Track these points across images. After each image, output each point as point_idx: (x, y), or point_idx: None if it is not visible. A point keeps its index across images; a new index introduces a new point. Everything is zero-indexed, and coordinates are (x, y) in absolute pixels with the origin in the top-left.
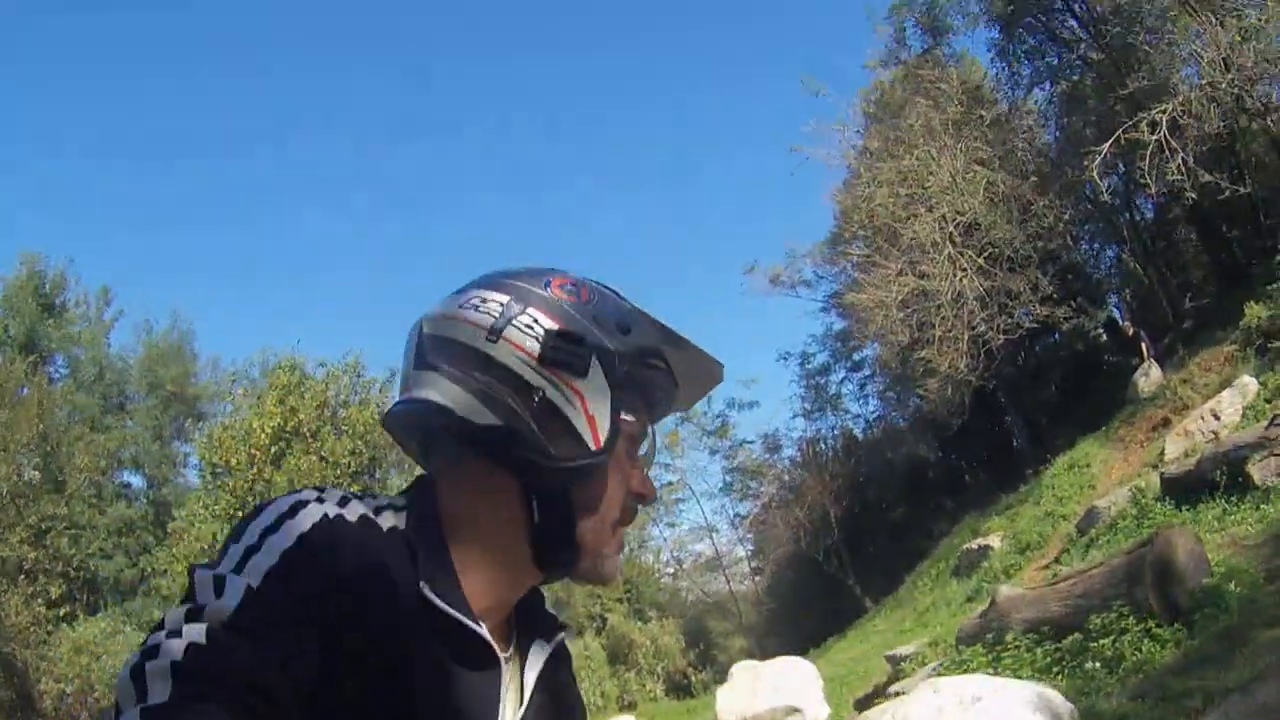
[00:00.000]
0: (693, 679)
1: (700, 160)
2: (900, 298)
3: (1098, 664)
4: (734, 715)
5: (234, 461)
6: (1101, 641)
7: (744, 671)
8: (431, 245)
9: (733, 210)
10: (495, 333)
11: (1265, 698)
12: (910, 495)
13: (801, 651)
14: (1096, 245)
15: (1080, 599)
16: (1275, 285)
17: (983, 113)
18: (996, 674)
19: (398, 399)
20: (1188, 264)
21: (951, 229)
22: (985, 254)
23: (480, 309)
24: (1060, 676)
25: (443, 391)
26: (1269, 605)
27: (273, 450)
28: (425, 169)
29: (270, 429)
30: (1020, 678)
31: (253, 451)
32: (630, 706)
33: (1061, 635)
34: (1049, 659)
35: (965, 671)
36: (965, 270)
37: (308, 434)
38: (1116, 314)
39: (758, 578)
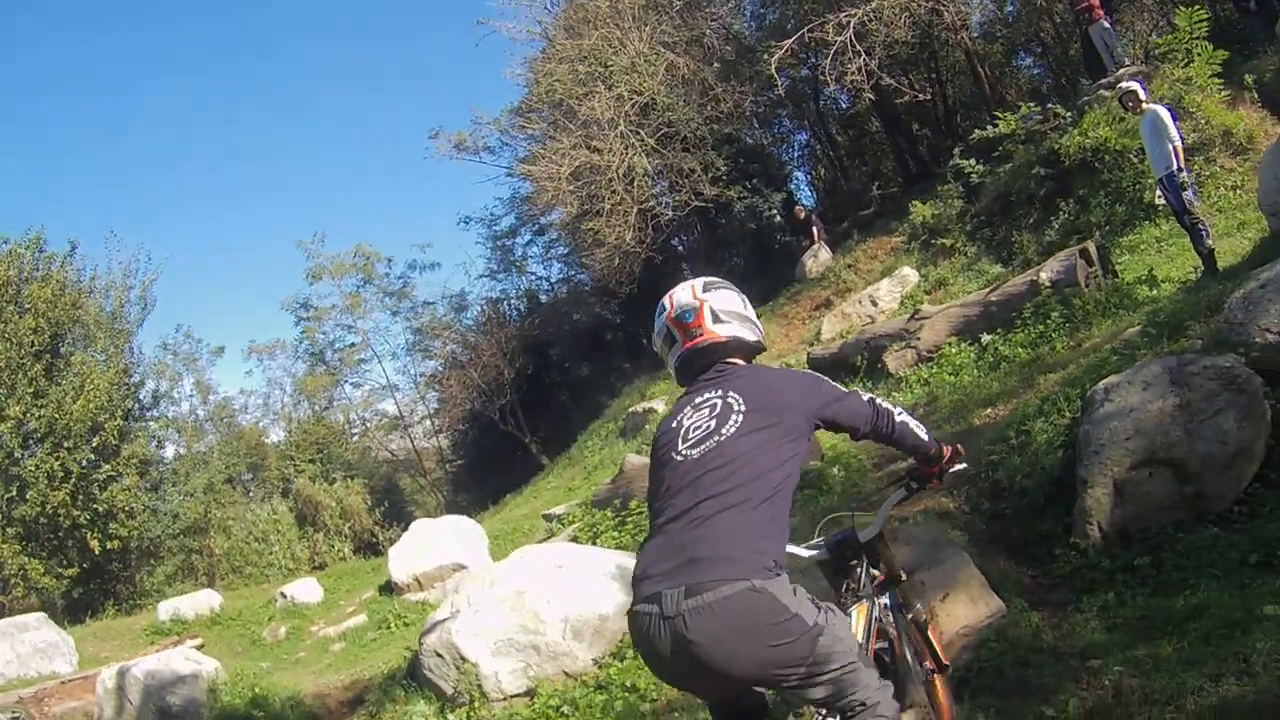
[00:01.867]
0: (380, 537)
1: (391, 23)
2: (570, 170)
3: None
4: (405, 572)
5: None
6: None
7: (416, 531)
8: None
9: (419, 76)
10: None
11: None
12: (594, 355)
13: (488, 507)
14: (783, 130)
15: None
16: (946, 186)
17: None
18: (621, 535)
19: (699, 341)
20: (881, 156)
21: (628, 108)
22: (660, 134)
23: (735, 292)
24: None
25: (741, 331)
26: (869, 491)
27: None
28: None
29: None
30: (637, 542)
31: None
32: (321, 567)
33: None
34: None
35: (598, 532)
36: (636, 148)
37: None
38: (807, 198)
39: (440, 435)
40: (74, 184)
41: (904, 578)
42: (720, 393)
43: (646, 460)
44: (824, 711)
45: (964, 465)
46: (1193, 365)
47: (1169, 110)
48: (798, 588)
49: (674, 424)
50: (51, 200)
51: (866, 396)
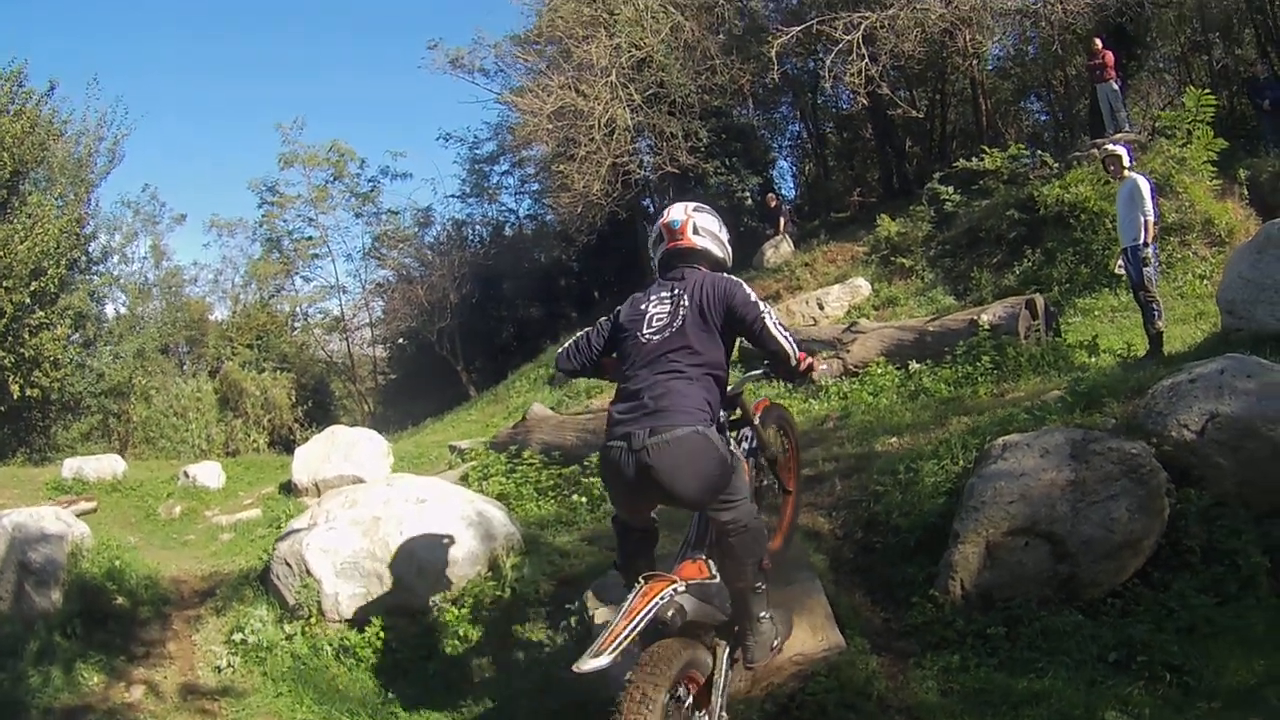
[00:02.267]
0: (298, 435)
1: None
2: (554, 109)
3: (584, 499)
4: (307, 475)
5: None
6: (592, 479)
7: (326, 436)
8: None
9: None
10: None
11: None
12: (545, 298)
13: (412, 425)
14: (778, 116)
15: (590, 434)
16: (920, 208)
17: None
18: (509, 482)
19: (678, 244)
20: (868, 164)
21: (623, 59)
22: (649, 92)
23: (715, 217)
24: (553, 500)
25: (710, 245)
26: None
27: None
28: None
29: None
30: (523, 493)
31: None
32: (233, 454)
33: (569, 463)
34: (551, 481)
35: (489, 474)
36: (622, 100)
37: None
38: (788, 188)
39: (379, 345)
40: (61, 28)
41: (755, 421)
42: (677, 293)
43: (549, 413)
44: (718, 527)
45: (823, 372)
46: (1097, 444)
47: (1150, 183)
48: (721, 436)
49: (642, 308)
50: (35, 38)
51: (767, 310)
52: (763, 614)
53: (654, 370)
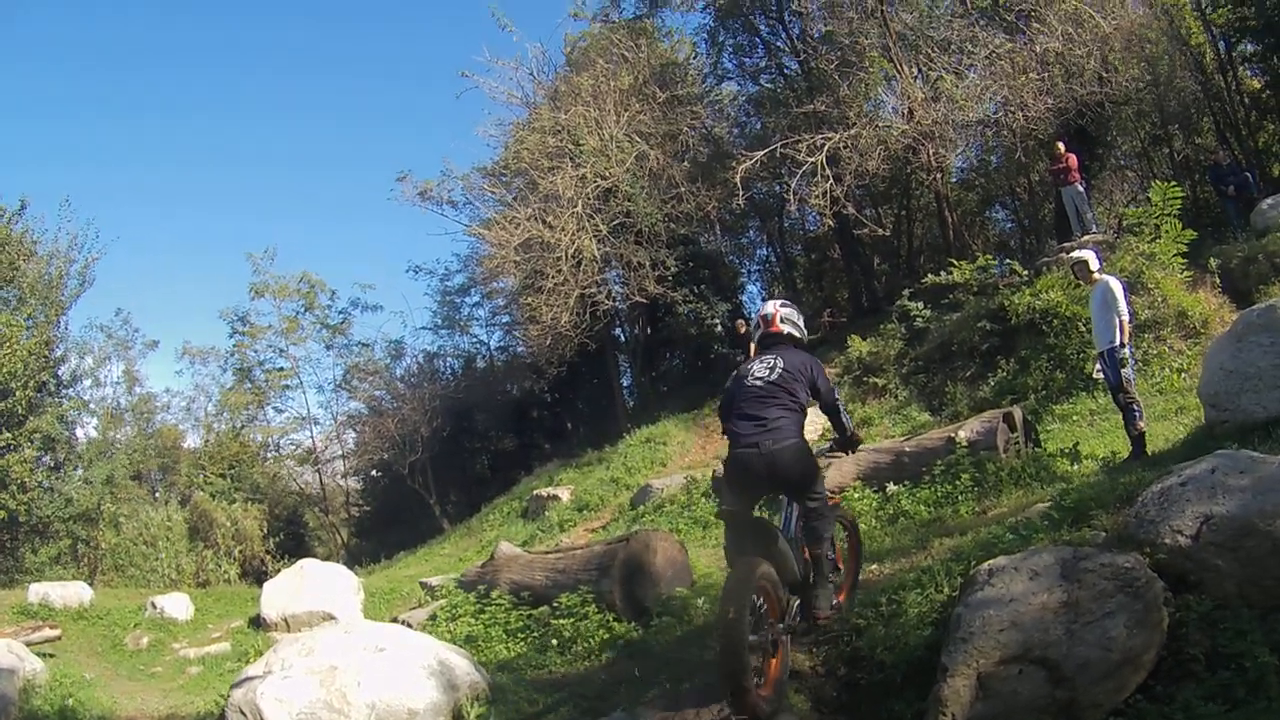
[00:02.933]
0: (270, 567)
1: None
2: (520, 241)
3: (554, 642)
4: (276, 611)
5: None
6: (563, 621)
7: (294, 572)
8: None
9: (396, 113)
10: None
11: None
12: (519, 429)
13: (385, 558)
14: (746, 241)
15: (560, 574)
16: (890, 325)
17: (657, 90)
18: (478, 623)
19: (771, 329)
20: (837, 284)
21: (589, 190)
22: (616, 222)
23: (795, 309)
24: (523, 642)
25: (792, 330)
26: None
27: None
28: None
29: None
30: (491, 635)
31: None
32: (204, 585)
33: (539, 603)
34: (521, 623)
35: (457, 614)
36: (588, 231)
37: None
38: (757, 310)
39: (351, 477)
40: (36, 150)
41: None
42: (774, 358)
43: (518, 552)
44: (804, 510)
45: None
46: (1088, 560)
47: (1122, 284)
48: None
49: (750, 367)
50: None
51: (835, 391)
52: (830, 576)
53: (765, 406)
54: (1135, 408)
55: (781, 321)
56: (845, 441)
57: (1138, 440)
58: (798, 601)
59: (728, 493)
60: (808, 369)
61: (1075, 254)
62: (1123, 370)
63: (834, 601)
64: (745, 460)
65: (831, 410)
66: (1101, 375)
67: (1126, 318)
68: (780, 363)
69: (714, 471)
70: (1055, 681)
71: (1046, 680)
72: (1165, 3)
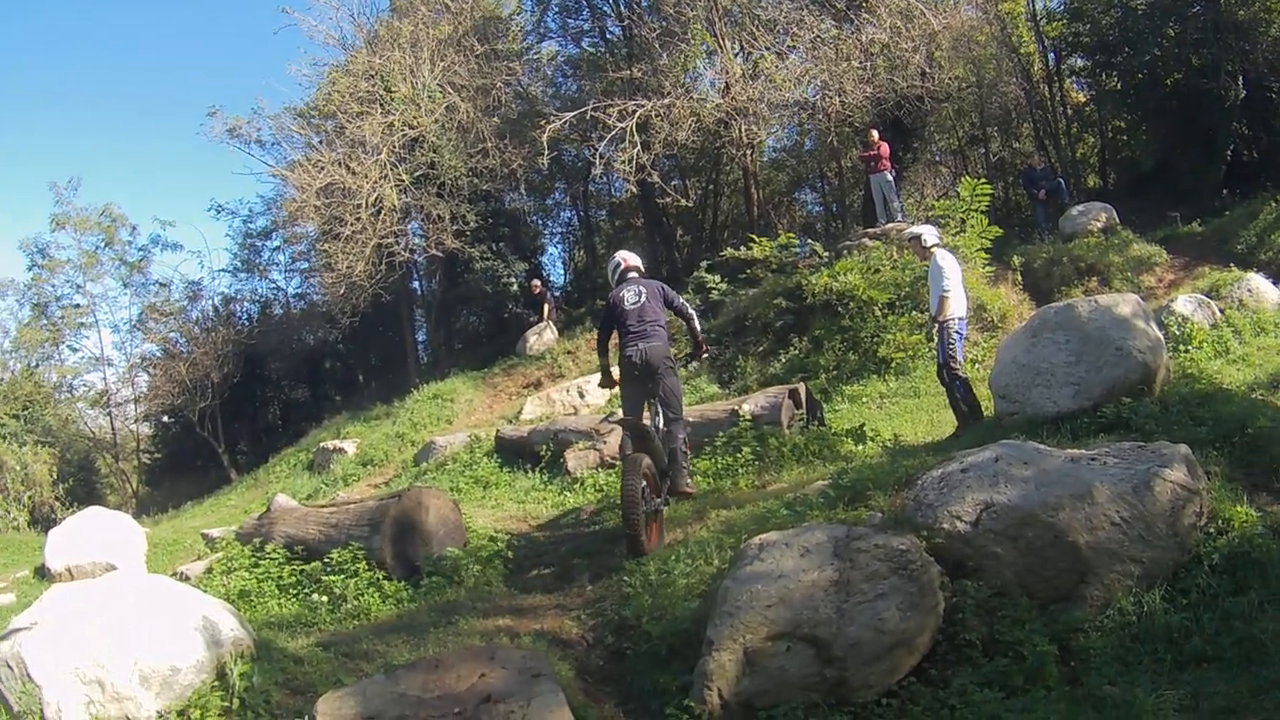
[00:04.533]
0: (59, 514)
1: None
2: (322, 185)
3: (324, 598)
4: (60, 561)
5: None
6: (334, 577)
7: (78, 520)
8: None
9: (211, 48)
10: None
11: (407, 686)
12: (312, 379)
13: (174, 508)
14: (552, 202)
15: (333, 529)
16: (686, 295)
17: (476, 42)
18: (251, 578)
19: (628, 267)
20: (638, 250)
21: (396, 138)
22: (419, 173)
23: (637, 256)
24: (294, 599)
25: (639, 264)
26: (500, 593)
27: None
28: None
29: None
30: (265, 589)
31: None
32: None
33: (312, 558)
34: (294, 578)
35: (233, 568)
36: (390, 180)
37: None
38: (558, 274)
39: (143, 424)
40: None
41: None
42: (636, 287)
43: (294, 505)
44: (667, 418)
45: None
46: (862, 540)
47: (952, 259)
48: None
49: (621, 294)
50: None
51: (687, 304)
52: (684, 463)
53: (640, 323)
54: (958, 384)
55: (632, 261)
56: (697, 346)
57: (973, 409)
58: (669, 482)
59: (625, 401)
60: (659, 288)
61: (911, 229)
62: (947, 345)
63: (688, 481)
64: (630, 359)
65: (686, 316)
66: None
67: (947, 292)
68: (642, 290)
69: (498, 431)
70: (825, 660)
71: (816, 659)
72: (1000, 10)
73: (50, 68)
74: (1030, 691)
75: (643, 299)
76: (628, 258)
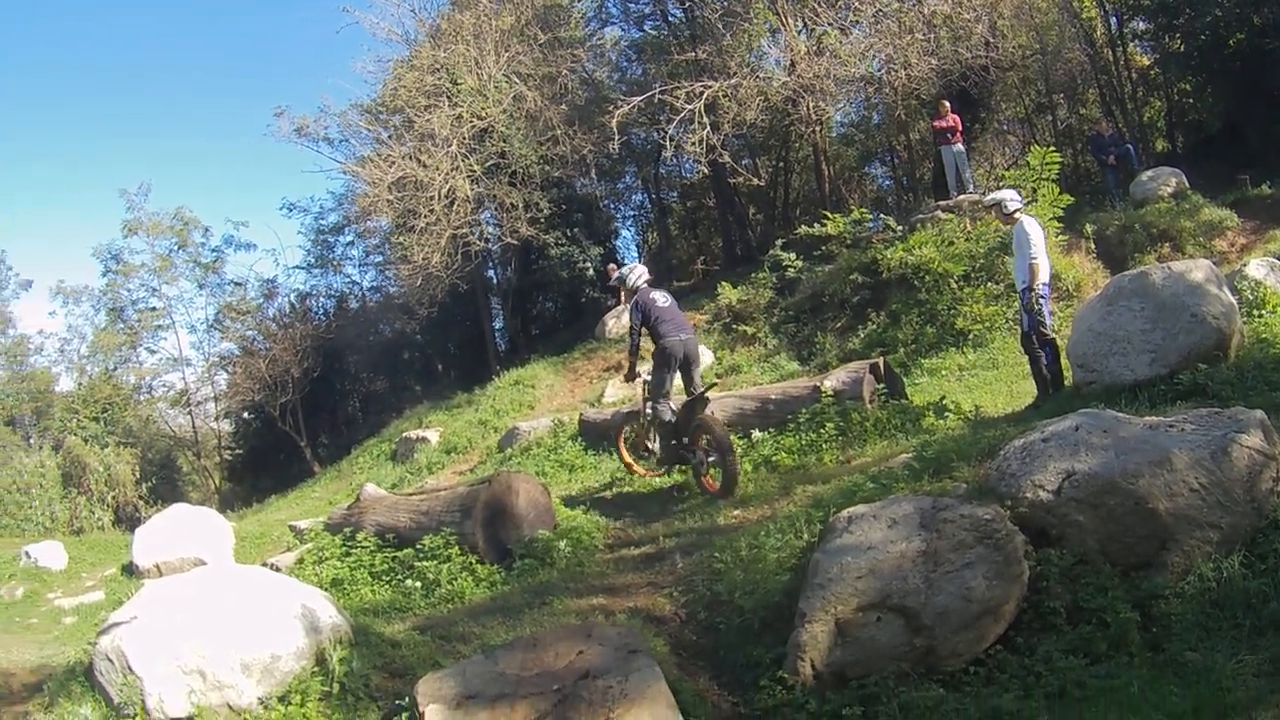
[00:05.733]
0: (143, 513)
1: None
2: (394, 179)
3: (418, 584)
4: (148, 558)
5: None
6: (427, 563)
7: (165, 518)
8: None
9: (271, 52)
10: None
11: (506, 666)
12: (391, 371)
13: (257, 502)
14: (623, 186)
15: (424, 516)
16: (762, 274)
17: (539, 31)
18: (343, 566)
19: (651, 279)
20: (712, 232)
21: (465, 130)
22: (490, 163)
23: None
24: (387, 585)
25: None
26: (592, 573)
27: None
28: None
29: None
30: (357, 577)
31: None
32: (79, 533)
33: (403, 545)
34: (385, 565)
35: (324, 557)
36: (462, 171)
37: None
38: (631, 258)
39: (223, 421)
40: None
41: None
42: (662, 292)
43: (383, 494)
44: (699, 384)
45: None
46: (948, 511)
47: (1037, 225)
48: None
49: (652, 297)
50: None
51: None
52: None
53: (675, 317)
54: (1047, 349)
55: (647, 273)
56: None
57: (1055, 378)
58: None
59: (664, 381)
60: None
61: (994, 195)
62: (1035, 314)
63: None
64: (674, 349)
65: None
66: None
67: (1037, 259)
68: (667, 294)
69: (581, 415)
70: (914, 630)
71: (905, 628)
72: None
73: (113, 77)
74: (1113, 658)
75: (670, 301)
76: (644, 269)
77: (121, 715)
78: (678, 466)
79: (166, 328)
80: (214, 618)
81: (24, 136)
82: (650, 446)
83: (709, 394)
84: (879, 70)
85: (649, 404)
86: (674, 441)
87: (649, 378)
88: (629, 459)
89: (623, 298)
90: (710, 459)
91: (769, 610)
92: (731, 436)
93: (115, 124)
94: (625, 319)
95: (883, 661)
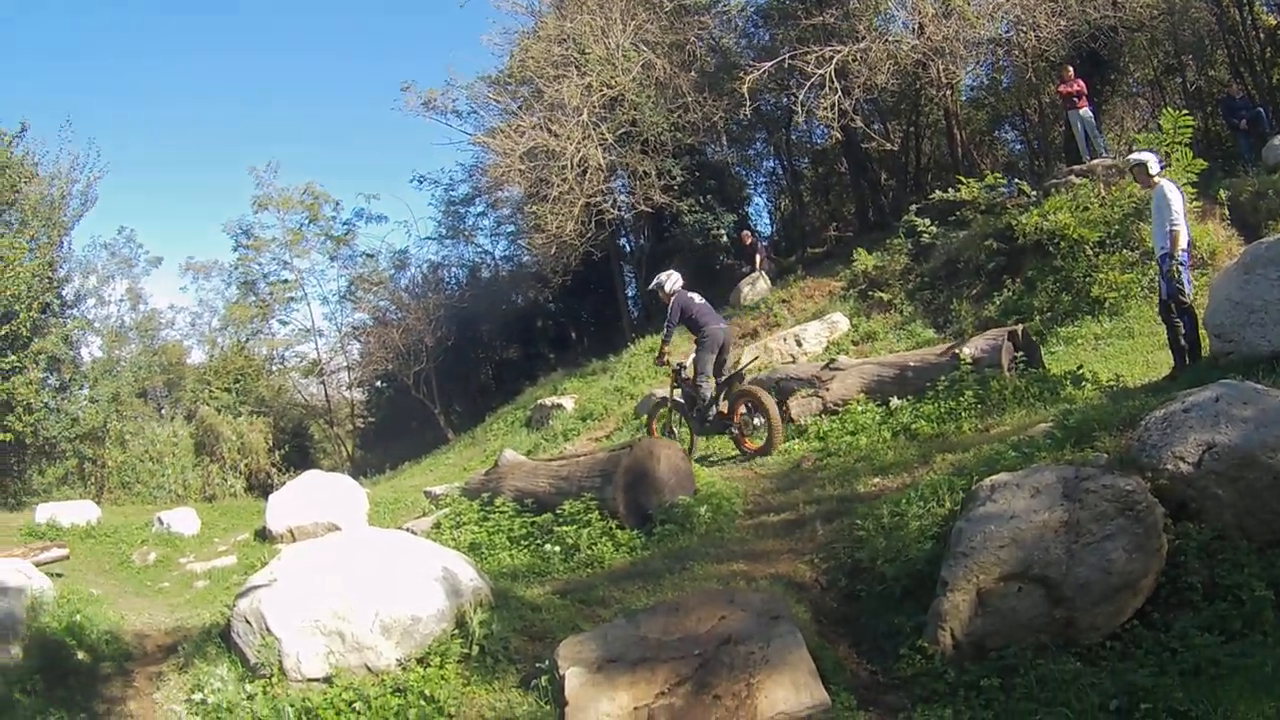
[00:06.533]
0: (275, 480)
1: None
2: (525, 149)
3: (557, 548)
4: (281, 523)
5: None
6: (566, 528)
7: (299, 484)
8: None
9: (394, 31)
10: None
11: (648, 630)
12: (524, 339)
13: (390, 469)
14: (753, 152)
15: (563, 481)
16: (897, 240)
17: None
18: (481, 531)
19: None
20: (844, 198)
21: (595, 99)
22: (621, 131)
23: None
24: (526, 550)
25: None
26: (732, 539)
27: None
28: None
29: None
30: (495, 542)
31: None
32: (210, 499)
33: (542, 510)
34: (524, 530)
35: (461, 522)
36: (594, 140)
37: None
38: (764, 224)
39: (356, 388)
40: (35, 69)
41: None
42: (697, 293)
43: (521, 459)
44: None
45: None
46: (1090, 481)
47: (1177, 189)
48: None
49: (690, 296)
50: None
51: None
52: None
53: (714, 312)
54: (1186, 317)
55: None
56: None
57: (1194, 348)
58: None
59: (709, 364)
60: None
61: (1136, 155)
62: (1172, 282)
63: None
64: (716, 337)
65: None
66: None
67: (1177, 225)
68: (699, 294)
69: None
70: (1054, 601)
71: (1045, 599)
72: None
73: (241, 59)
74: (1248, 637)
75: (704, 300)
76: (678, 275)
77: (258, 676)
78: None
79: (298, 300)
80: (354, 580)
81: (152, 120)
82: (676, 431)
83: (746, 372)
84: (1007, 32)
85: (690, 383)
86: (713, 414)
87: (683, 364)
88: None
89: (663, 298)
90: (755, 421)
91: (911, 578)
92: (771, 399)
93: (240, 104)
94: (760, 285)
95: (1022, 633)
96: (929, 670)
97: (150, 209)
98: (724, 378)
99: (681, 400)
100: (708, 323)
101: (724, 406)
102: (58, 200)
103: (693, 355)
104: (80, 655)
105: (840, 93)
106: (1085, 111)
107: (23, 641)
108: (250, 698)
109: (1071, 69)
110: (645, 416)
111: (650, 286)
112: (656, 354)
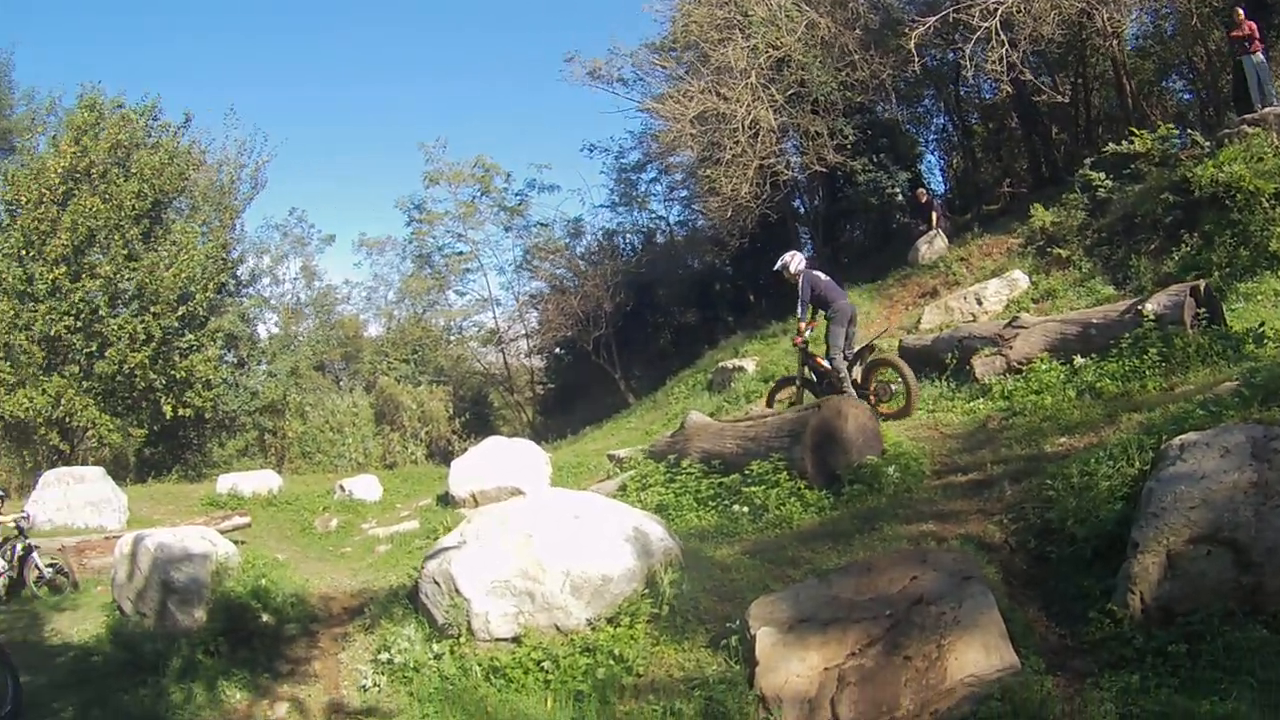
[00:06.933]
0: (455, 447)
1: None
2: (695, 114)
3: (745, 509)
4: (464, 487)
5: (24, 199)
6: (754, 488)
7: (484, 448)
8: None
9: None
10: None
11: (839, 590)
12: (701, 303)
13: (571, 434)
14: (922, 110)
15: (751, 442)
16: (1073, 195)
17: None
18: (668, 492)
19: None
20: (1015, 153)
21: (761, 60)
22: (790, 92)
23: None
24: (713, 511)
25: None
26: (920, 499)
27: (62, 190)
28: None
29: (61, 168)
30: (682, 503)
31: (43, 190)
32: (391, 467)
33: (729, 471)
34: (711, 491)
35: (647, 484)
36: (764, 102)
37: (97, 175)
38: (936, 182)
39: (535, 356)
40: (197, 56)
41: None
42: (821, 271)
43: (708, 421)
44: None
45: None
46: (1278, 441)
47: None
48: None
49: (816, 274)
50: (174, 71)
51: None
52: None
53: (841, 288)
54: None
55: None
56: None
57: None
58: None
59: (839, 336)
60: None
61: None
62: None
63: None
64: (845, 311)
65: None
66: None
67: None
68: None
69: (900, 341)
70: (1242, 566)
71: (1234, 564)
72: None
73: (401, 32)
74: None
75: (829, 277)
76: (801, 255)
77: (445, 636)
78: None
79: (474, 270)
80: (544, 541)
81: (320, 101)
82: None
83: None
84: None
85: (821, 359)
86: (847, 385)
87: (809, 335)
88: None
89: (789, 278)
90: (893, 387)
91: (1101, 539)
92: (905, 364)
93: (407, 81)
94: (938, 243)
95: (1209, 597)
96: (1117, 635)
97: (322, 190)
98: (855, 350)
99: (812, 377)
100: (835, 298)
101: (858, 376)
102: (227, 185)
103: (822, 331)
104: (264, 618)
105: (1007, 45)
106: (1258, 56)
107: (207, 605)
108: (438, 657)
109: (1241, 11)
110: (766, 396)
111: (775, 268)
112: (794, 333)
